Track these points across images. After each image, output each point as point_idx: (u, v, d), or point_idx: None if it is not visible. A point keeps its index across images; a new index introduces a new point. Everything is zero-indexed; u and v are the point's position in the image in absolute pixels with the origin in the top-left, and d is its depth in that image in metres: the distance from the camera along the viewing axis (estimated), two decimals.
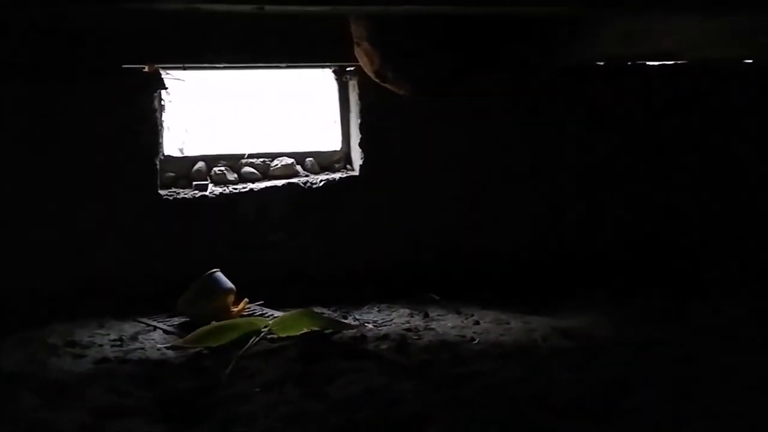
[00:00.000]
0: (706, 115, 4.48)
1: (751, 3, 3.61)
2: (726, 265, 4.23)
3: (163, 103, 4.12)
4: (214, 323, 3.28)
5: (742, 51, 4.48)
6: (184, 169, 4.20)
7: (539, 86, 4.30)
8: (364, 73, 3.91)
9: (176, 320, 3.56)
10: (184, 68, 4.06)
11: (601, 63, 4.38)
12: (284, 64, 4.12)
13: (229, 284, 3.60)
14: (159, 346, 3.24)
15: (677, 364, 2.90)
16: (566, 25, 4.14)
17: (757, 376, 2.70)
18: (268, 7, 3.10)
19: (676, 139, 4.47)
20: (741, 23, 4.28)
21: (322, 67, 4.29)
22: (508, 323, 3.48)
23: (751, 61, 4.56)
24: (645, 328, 3.38)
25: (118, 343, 3.27)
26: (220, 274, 3.62)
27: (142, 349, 3.19)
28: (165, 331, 3.44)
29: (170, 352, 3.16)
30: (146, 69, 3.92)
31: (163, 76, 3.98)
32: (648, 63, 4.44)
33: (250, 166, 4.24)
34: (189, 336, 3.23)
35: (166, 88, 4.05)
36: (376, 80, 3.85)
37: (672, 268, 4.29)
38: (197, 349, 3.12)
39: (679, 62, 4.44)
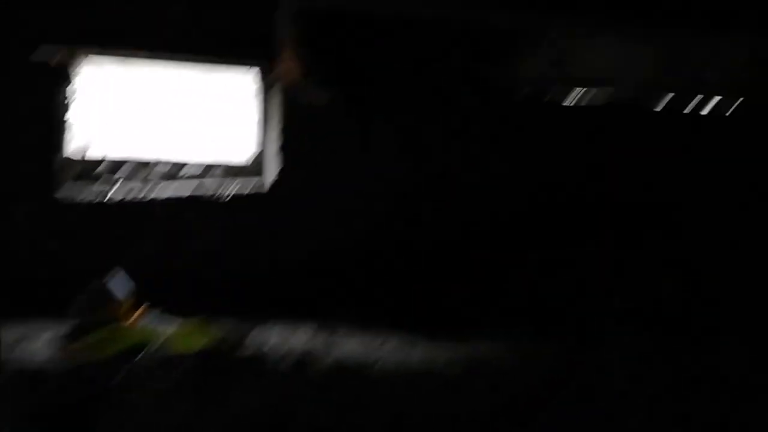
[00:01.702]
0: None
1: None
2: None
3: (68, 99, 3.94)
4: (106, 330, 3.11)
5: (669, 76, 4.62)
6: (87, 171, 4.02)
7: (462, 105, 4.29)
8: (287, 78, 3.84)
9: (67, 326, 3.35)
10: (99, 54, 3.88)
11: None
12: (205, 60, 3.99)
13: (127, 290, 3.42)
14: (44, 352, 3.06)
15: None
16: (497, 41, 4.20)
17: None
18: None
19: None
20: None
21: (245, 66, 4.14)
22: (413, 347, 3.43)
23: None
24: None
25: None
26: (118, 279, 3.43)
27: (25, 355, 3.00)
28: (53, 337, 3.24)
29: (55, 360, 2.97)
30: (53, 63, 3.75)
31: (69, 72, 3.81)
32: None
33: (157, 172, 4.08)
34: (78, 343, 3.04)
35: (72, 84, 3.88)
36: (299, 86, 3.80)
37: None
38: (85, 358, 2.94)
39: None
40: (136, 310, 3.42)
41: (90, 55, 3.88)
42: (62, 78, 3.80)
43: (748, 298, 4.25)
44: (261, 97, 4.23)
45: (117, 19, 3.69)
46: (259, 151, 4.27)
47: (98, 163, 4.03)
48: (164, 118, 4.23)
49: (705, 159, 4.57)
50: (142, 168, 4.09)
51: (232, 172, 4.22)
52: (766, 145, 4.63)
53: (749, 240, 4.55)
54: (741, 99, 4.76)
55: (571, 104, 4.53)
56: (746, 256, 4.50)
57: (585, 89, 4.53)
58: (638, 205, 4.55)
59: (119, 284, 3.43)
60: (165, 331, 3.25)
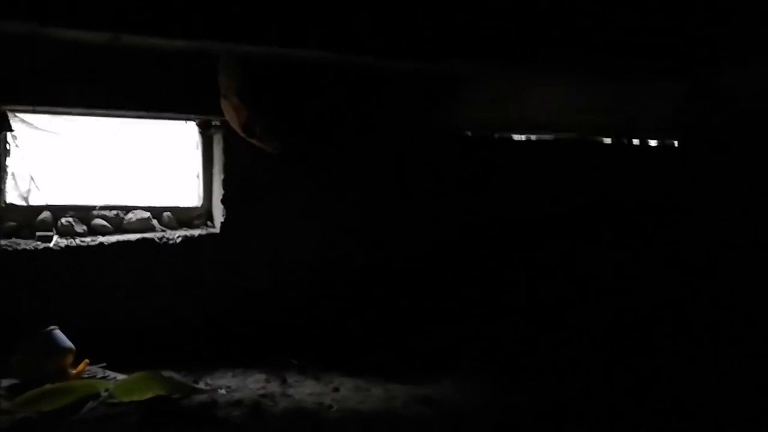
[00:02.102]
0: None
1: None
2: None
3: (7, 146, 3.83)
4: (47, 385, 2.99)
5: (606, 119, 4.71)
6: (28, 218, 3.89)
7: (406, 147, 4.30)
8: (230, 127, 3.80)
9: (6, 381, 3.21)
10: (35, 111, 3.80)
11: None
12: (144, 113, 3.93)
13: (69, 343, 3.31)
14: None
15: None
16: (440, 87, 4.22)
17: None
18: (125, 38, 2.91)
19: None
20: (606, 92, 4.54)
21: (186, 119, 4.13)
22: (368, 390, 3.37)
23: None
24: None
25: None
26: (58, 332, 3.32)
27: None
28: None
29: None
30: None
31: (9, 118, 3.71)
32: None
33: (101, 219, 3.98)
34: (19, 399, 2.92)
35: (12, 131, 3.78)
36: (243, 135, 3.75)
37: None
38: (27, 414, 2.81)
39: None
40: (80, 362, 3.32)
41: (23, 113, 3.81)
42: (1, 124, 3.69)
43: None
44: (202, 148, 4.18)
45: (51, 76, 3.60)
46: (205, 200, 4.21)
47: (41, 209, 3.92)
48: (110, 163, 4.14)
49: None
50: (86, 213, 3.98)
51: (180, 216, 4.16)
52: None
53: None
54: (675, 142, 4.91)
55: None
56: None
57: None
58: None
59: (62, 337, 3.32)
60: (111, 382, 3.15)
